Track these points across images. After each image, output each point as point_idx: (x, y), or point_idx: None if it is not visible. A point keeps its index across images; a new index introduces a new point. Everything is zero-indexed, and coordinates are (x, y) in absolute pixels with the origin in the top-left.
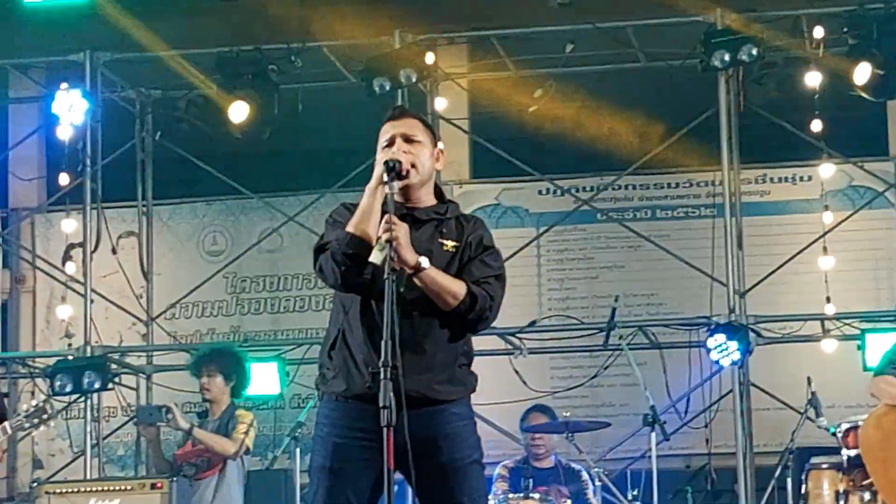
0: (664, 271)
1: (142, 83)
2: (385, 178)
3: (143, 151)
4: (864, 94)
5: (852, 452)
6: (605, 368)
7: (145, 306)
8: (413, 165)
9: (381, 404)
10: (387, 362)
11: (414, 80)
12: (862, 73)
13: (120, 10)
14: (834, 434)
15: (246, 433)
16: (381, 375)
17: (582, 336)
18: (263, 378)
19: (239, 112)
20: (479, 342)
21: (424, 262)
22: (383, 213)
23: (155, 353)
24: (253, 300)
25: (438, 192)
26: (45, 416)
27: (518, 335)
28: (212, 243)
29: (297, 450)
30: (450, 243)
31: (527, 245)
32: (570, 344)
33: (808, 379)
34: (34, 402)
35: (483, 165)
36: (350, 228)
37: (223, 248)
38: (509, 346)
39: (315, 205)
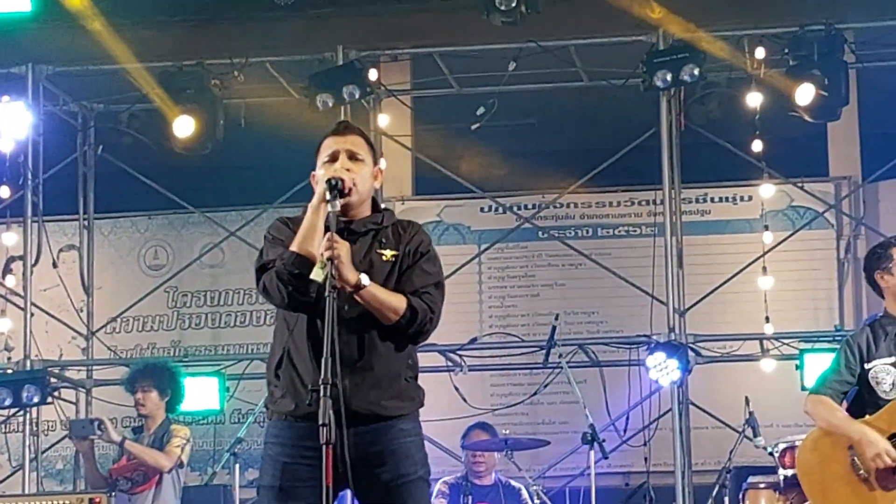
0: (605, 289)
1: (84, 97)
2: (327, 195)
3: (84, 165)
4: (805, 116)
5: (789, 472)
6: (545, 386)
7: (85, 320)
8: (354, 184)
9: (320, 422)
10: (326, 380)
11: (357, 96)
12: (804, 93)
13: (62, 22)
14: (771, 454)
15: (181, 447)
16: (322, 393)
17: (522, 353)
18: (204, 393)
19: (184, 126)
20: (419, 358)
21: (365, 279)
22: (325, 230)
23: (95, 367)
24: (194, 315)
25: (373, 202)
26: None
27: (458, 352)
28: (153, 257)
29: (237, 465)
30: (388, 253)
31: (468, 262)
32: (510, 361)
33: (746, 399)
34: None
35: (425, 182)
36: (294, 247)
37: (164, 262)
38: (450, 363)
39: (257, 220)
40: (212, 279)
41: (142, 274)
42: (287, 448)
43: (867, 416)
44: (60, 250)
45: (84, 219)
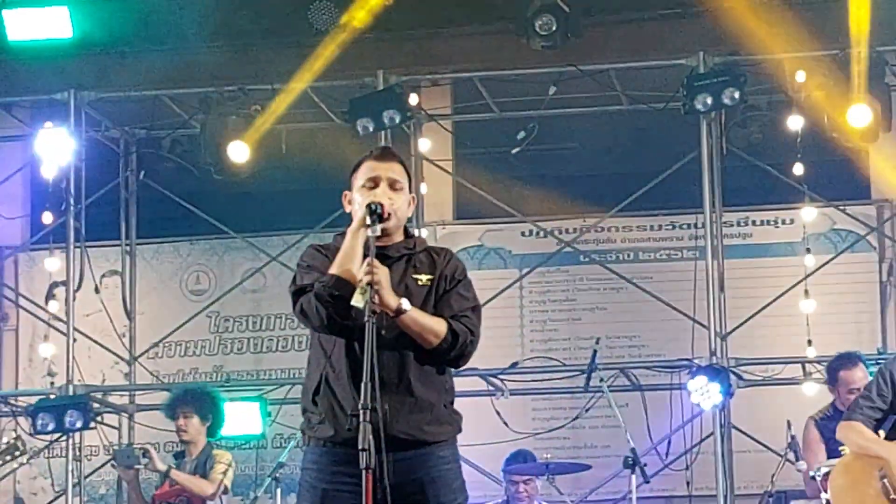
0: (646, 313)
1: (126, 122)
2: (368, 220)
3: (126, 190)
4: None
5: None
6: (587, 410)
7: (128, 345)
8: (394, 210)
9: (359, 447)
10: (366, 405)
11: (397, 120)
12: (859, 115)
13: (104, 48)
14: (813, 478)
15: (224, 473)
16: (361, 418)
17: (563, 378)
18: (245, 418)
19: (239, 152)
20: (460, 383)
21: (406, 304)
22: (364, 255)
23: (137, 392)
24: (235, 339)
25: (404, 228)
26: (16, 453)
27: (500, 376)
28: (195, 282)
29: (279, 490)
30: (424, 277)
31: (509, 286)
32: (551, 385)
33: (788, 423)
34: (5, 440)
35: (466, 207)
36: (334, 270)
37: (206, 287)
38: (491, 388)
39: (298, 245)
40: (253, 304)
41: (184, 299)
42: (325, 474)
43: None
44: (103, 276)
45: (126, 244)
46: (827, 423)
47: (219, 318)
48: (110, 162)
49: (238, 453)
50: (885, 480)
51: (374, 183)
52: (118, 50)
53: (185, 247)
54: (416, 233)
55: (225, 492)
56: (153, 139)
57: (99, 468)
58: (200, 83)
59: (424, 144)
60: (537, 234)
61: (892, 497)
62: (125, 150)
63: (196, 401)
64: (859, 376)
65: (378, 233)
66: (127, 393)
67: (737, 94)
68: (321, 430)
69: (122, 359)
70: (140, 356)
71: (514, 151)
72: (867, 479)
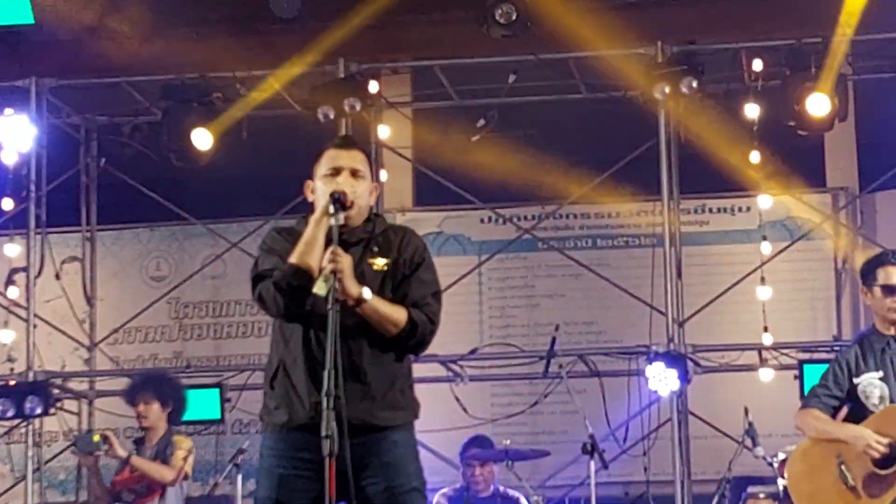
0: (604, 300)
1: (87, 109)
2: (331, 209)
3: (87, 177)
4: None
5: None
6: (545, 396)
7: (88, 331)
8: (356, 199)
9: (322, 434)
10: (329, 392)
11: (358, 108)
12: (817, 104)
13: (65, 35)
14: (771, 464)
15: (184, 459)
16: (324, 405)
17: (522, 364)
18: (205, 403)
19: (202, 139)
20: (419, 369)
21: (367, 293)
22: (326, 243)
23: (97, 378)
24: (196, 326)
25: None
26: None
27: (459, 362)
28: (155, 269)
29: (239, 476)
30: (380, 262)
31: (468, 273)
32: (510, 372)
33: (746, 409)
34: None
35: (426, 193)
36: (294, 259)
37: (166, 273)
38: (450, 373)
39: (258, 231)
40: (213, 290)
41: (144, 285)
42: (282, 460)
43: None
44: (63, 262)
45: (87, 230)
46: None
47: (179, 305)
48: (71, 148)
49: (198, 439)
50: (843, 467)
51: (335, 172)
52: (79, 37)
53: (146, 233)
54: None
55: (185, 478)
56: (114, 126)
57: (59, 454)
58: (162, 71)
59: (384, 131)
60: (496, 220)
61: (850, 484)
62: (86, 136)
63: (156, 387)
64: None
65: (341, 221)
66: (87, 379)
67: (694, 83)
68: (277, 416)
69: (83, 345)
70: (100, 342)
71: (473, 139)
72: (825, 464)
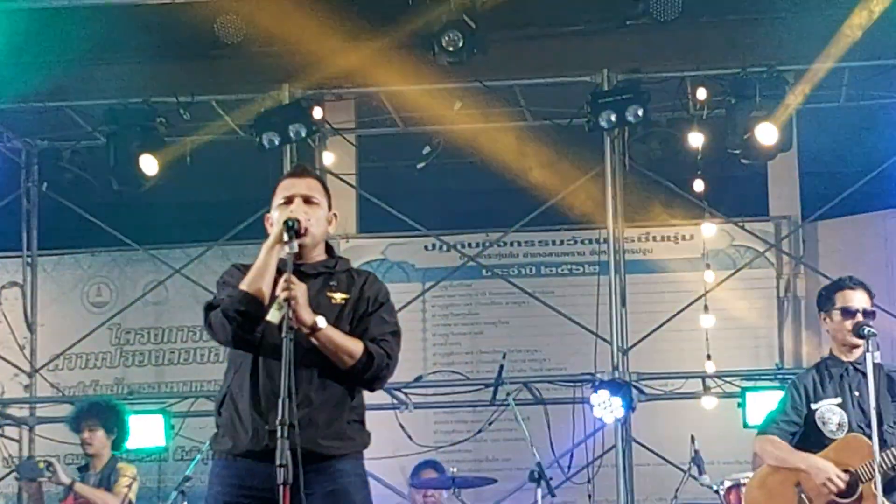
0: (549, 328)
1: (28, 133)
2: (285, 236)
3: (28, 201)
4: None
5: None
6: (490, 423)
7: (29, 357)
8: (309, 226)
9: (277, 462)
10: (284, 420)
11: (303, 134)
12: (765, 133)
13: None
14: (717, 492)
15: (129, 486)
16: (279, 434)
17: (467, 391)
18: (148, 431)
19: (147, 165)
20: (364, 396)
21: (321, 321)
22: (281, 271)
23: (38, 404)
24: (137, 352)
25: (328, 248)
26: None
27: (404, 390)
28: (96, 294)
29: (184, 503)
30: (338, 296)
31: (413, 300)
32: (455, 399)
33: (692, 437)
34: None
35: (370, 220)
36: (244, 286)
37: (108, 299)
38: (395, 401)
39: (200, 258)
40: (155, 317)
41: (85, 311)
42: (228, 487)
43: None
44: (3, 287)
45: (27, 255)
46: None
47: (120, 331)
48: (12, 173)
49: (141, 466)
50: (803, 496)
51: (289, 200)
52: (21, 60)
53: (87, 258)
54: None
55: None
56: (55, 150)
57: None
58: (105, 95)
59: (329, 158)
60: (440, 247)
61: None
62: (27, 160)
63: (101, 414)
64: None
65: (295, 249)
66: (27, 405)
67: (640, 112)
68: (223, 443)
69: (23, 371)
70: (41, 368)
71: (419, 166)
72: (784, 492)
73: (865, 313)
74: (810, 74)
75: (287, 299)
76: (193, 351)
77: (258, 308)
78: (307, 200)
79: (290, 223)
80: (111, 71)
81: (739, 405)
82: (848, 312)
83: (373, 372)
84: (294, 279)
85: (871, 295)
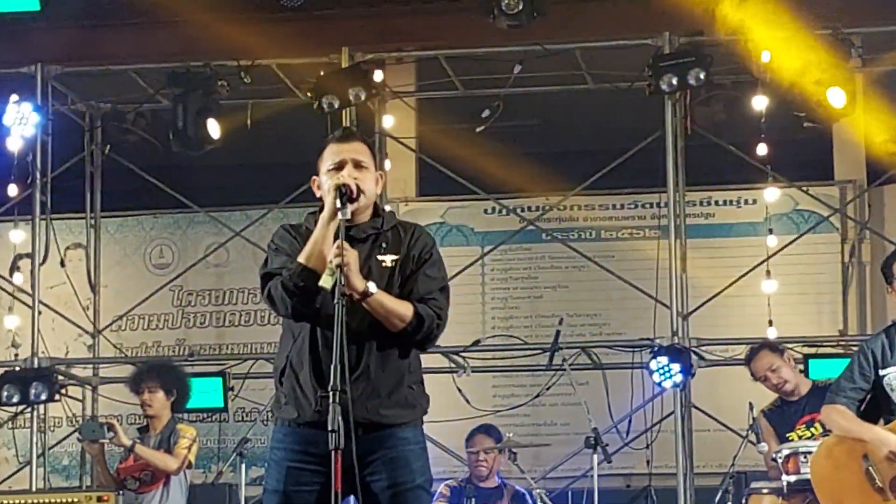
0: (608, 292)
1: (92, 96)
2: (338, 203)
3: (91, 164)
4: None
5: (792, 478)
6: (548, 388)
7: (92, 318)
8: (361, 190)
9: (329, 428)
10: (335, 386)
11: (362, 97)
12: (833, 96)
13: (71, 22)
14: (774, 459)
15: (188, 448)
16: (330, 400)
17: (525, 356)
18: (208, 392)
19: (214, 128)
20: (422, 359)
21: (372, 287)
22: (333, 239)
23: (101, 364)
24: (198, 314)
25: (374, 206)
26: None
27: (462, 354)
28: (158, 256)
29: (243, 465)
30: (388, 259)
31: (471, 264)
32: (512, 363)
33: (750, 404)
34: None
35: (429, 184)
36: (302, 259)
37: (169, 261)
38: (453, 365)
39: (261, 220)
40: (216, 278)
41: (147, 272)
42: (291, 453)
43: (881, 424)
44: (67, 248)
45: (91, 217)
46: (776, 413)
47: (182, 292)
48: (76, 135)
49: (200, 426)
50: (871, 468)
51: (339, 165)
52: (85, 24)
53: (149, 220)
54: (386, 209)
55: (189, 466)
56: (118, 113)
57: (63, 440)
58: (167, 58)
59: (388, 121)
60: (500, 211)
61: (877, 485)
62: (91, 123)
63: (161, 375)
64: (763, 364)
65: (348, 216)
66: (91, 365)
67: (702, 75)
68: (286, 412)
69: (86, 331)
70: (104, 329)
71: (478, 130)
72: (850, 463)
73: None
74: (876, 37)
75: (339, 266)
76: (254, 313)
77: (317, 281)
78: (357, 165)
79: (343, 189)
80: (173, 34)
81: (801, 372)
82: None
83: (424, 333)
84: (346, 246)
85: None
